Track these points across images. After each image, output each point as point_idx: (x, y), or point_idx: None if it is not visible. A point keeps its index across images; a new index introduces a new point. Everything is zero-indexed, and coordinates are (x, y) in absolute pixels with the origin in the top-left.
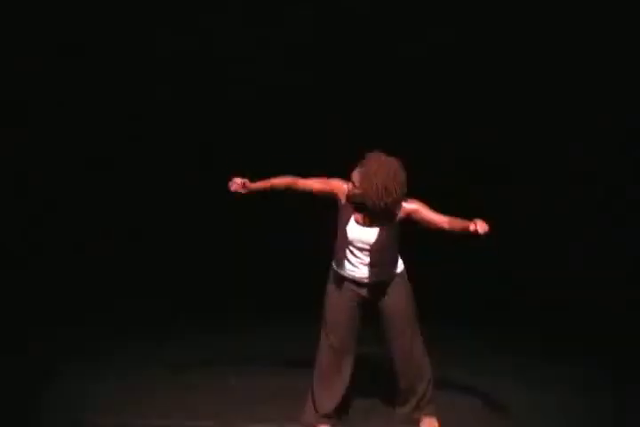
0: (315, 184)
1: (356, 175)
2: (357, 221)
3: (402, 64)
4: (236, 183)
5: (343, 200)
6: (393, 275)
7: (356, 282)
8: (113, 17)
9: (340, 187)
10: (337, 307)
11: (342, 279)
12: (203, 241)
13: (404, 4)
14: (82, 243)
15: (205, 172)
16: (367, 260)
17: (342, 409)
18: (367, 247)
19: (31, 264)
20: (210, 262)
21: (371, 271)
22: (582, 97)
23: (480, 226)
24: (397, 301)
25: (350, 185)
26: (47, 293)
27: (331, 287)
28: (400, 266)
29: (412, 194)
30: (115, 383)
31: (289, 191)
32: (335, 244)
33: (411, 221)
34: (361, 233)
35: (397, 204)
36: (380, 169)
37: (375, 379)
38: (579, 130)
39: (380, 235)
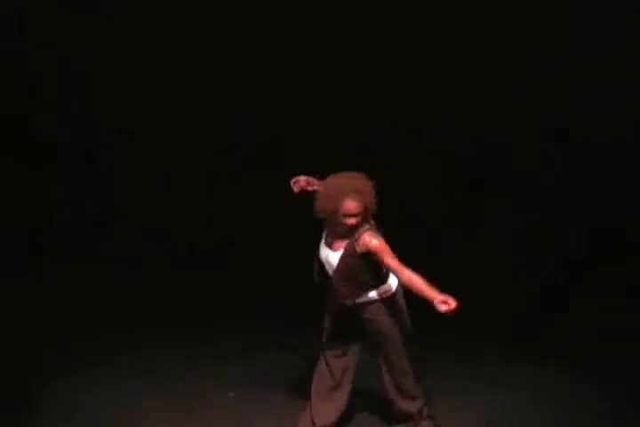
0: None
1: (352, 204)
2: (326, 243)
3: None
4: (300, 181)
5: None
6: (368, 300)
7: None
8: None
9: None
10: (335, 319)
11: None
12: (195, 249)
13: None
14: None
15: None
16: (334, 282)
17: (340, 422)
18: (332, 270)
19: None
20: (205, 271)
21: (340, 292)
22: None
23: (450, 306)
24: (377, 327)
25: (353, 220)
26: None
27: (329, 297)
28: (383, 289)
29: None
30: (111, 396)
31: None
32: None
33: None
34: (327, 255)
35: (342, 215)
36: (365, 182)
37: (374, 392)
38: None
39: (341, 261)
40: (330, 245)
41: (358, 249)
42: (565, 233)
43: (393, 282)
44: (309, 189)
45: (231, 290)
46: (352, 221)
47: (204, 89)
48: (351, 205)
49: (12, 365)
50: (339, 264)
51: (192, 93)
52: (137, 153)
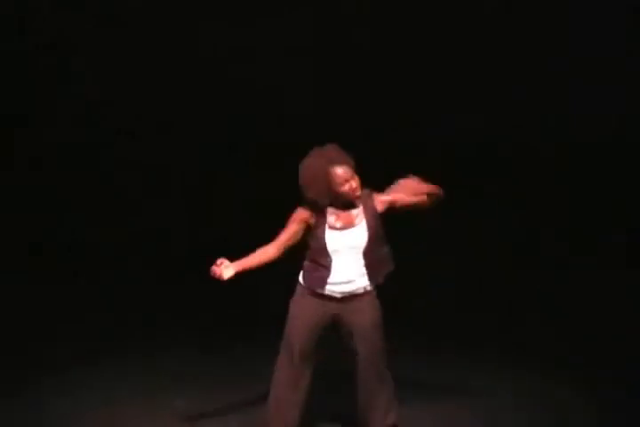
0: (289, 235)
1: (347, 170)
2: (334, 227)
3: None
4: (217, 268)
5: (313, 219)
6: (380, 276)
7: (327, 298)
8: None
9: (307, 215)
10: (301, 320)
11: (311, 295)
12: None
13: None
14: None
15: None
16: (361, 262)
17: None
18: (356, 249)
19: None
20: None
21: (375, 269)
22: None
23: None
24: (367, 321)
25: (358, 186)
26: None
27: (296, 300)
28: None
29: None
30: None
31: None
32: (308, 264)
33: (392, 211)
34: (341, 238)
35: (337, 178)
36: (306, 158)
37: (333, 398)
38: None
39: (371, 226)
40: (337, 228)
41: (378, 209)
42: (550, 234)
43: None
44: (229, 275)
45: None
46: (354, 184)
47: (203, 89)
48: (340, 170)
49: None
50: (371, 233)
51: (192, 93)
52: (136, 153)
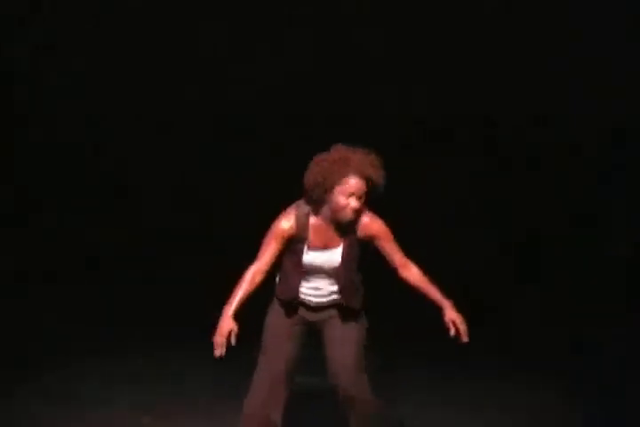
0: (270, 254)
1: (357, 182)
2: (314, 247)
3: None
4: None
5: (295, 233)
6: (358, 299)
7: (306, 306)
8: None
9: (288, 229)
10: (280, 329)
11: (285, 305)
12: (194, 250)
13: None
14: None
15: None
16: (332, 287)
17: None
18: (330, 270)
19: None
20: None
21: (347, 295)
22: None
23: (464, 332)
24: (348, 331)
25: (358, 204)
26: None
27: (273, 309)
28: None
29: None
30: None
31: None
32: (282, 275)
33: (370, 244)
34: (316, 258)
35: (341, 181)
36: (317, 157)
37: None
38: None
39: (346, 255)
40: (316, 246)
41: (358, 234)
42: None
43: None
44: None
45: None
46: (353, 204)
47: (203, 88)
48: (354, 180)
49: None
50: (344, 260)
51: (192, 93)
52: (134, 154)
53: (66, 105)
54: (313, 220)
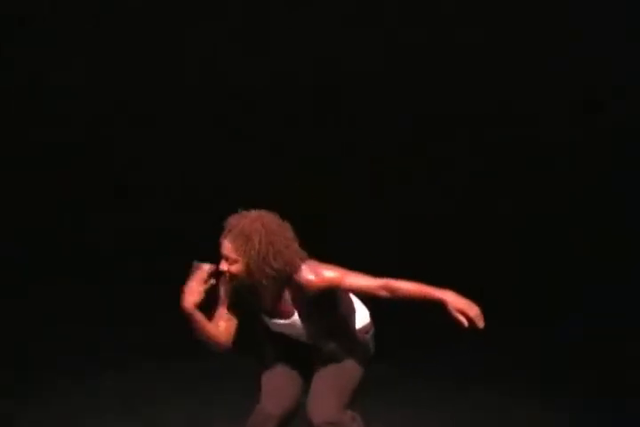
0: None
1: (227, 244)
2: (268, 314)
3: None
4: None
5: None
6: (348, 334)
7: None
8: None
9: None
10: (283, 356)
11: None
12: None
13: None
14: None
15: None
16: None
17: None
18: (299, 334)
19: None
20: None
21: (315, 348)
22: None
23: (477, 317)
24: (334, 361)
25: (223, 264)
26: None
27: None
28: (362, 320)
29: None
30: None
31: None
32: None
33: (330, 292)
34: (280, 324)
35: (295, 267)
36: (256, 223)
37: None
38: None
39: (304, 323)
40: (271, 315)
41: (310, 294)
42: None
43: (363, 310)
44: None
45: None
46: (224, 266)
47: (204, 89)
48: (225, 245)
49: None
50: (306, 327)
51: (192, 93)
52: (134, 154)
53: (66, 105)
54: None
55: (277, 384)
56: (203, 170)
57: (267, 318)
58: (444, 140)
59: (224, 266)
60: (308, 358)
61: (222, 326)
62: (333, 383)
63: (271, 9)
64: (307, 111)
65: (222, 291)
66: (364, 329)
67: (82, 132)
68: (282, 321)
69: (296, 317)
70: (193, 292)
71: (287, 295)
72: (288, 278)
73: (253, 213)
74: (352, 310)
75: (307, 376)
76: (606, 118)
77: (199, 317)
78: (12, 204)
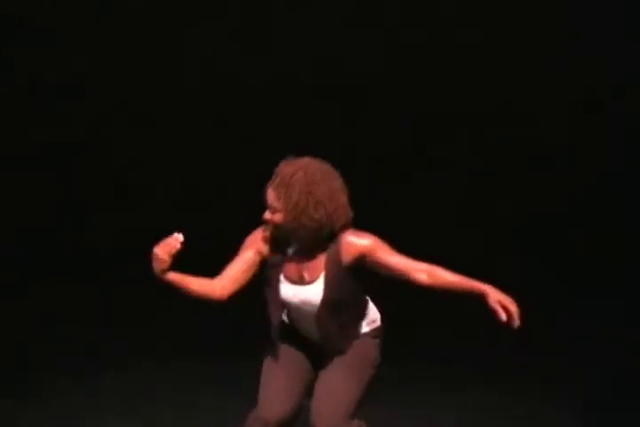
0: (238, 267)
1: (270, 192)
2: (289, 278)
3: None
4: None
5: (268, 253)
6: (357, 336)
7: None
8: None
9: (257, 236)
10: (283, 359)
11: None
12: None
13: None
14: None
15: None
16: (314, 329)
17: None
18: (311, 311)
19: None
20: None
21: (329, 338)
22: None
23: (515, 314)
24: (345, 364)
25: (267, 213)
26: None
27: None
28: (372, 322)
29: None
30: None
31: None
32: (268, 310)
33: (364, 266)
34: (295, 293)
35: (339, 220)
36: (299, 172)
37: None
38: None
39: (327, 289)
40: (293, 279)
41: (344, 259)
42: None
43: (374, 309)
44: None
45: None
46: (267, 215)
47: (204, 88)
48: (268, 193)
49: None
50: (325, 296)
51: (192, 93)
52: (134, 153)
53: (66, 105)
54: (291, 251)
55: (277, 389)
56: (203, 170)
57: (286, 286)
58: (444, 140)
59: (267, 215)
60: (313, 360)
61: (221, 283)
62: (340, 389)
63: (271, 9)
64: (307, 111)
65: (243, 255)
66: (374, 333)
67: (82, 132)
68: (302, 287)
69: (320, 282)
70: (158, 259)
71: (320, 257)
72: (329, 235)
73: (301, 161)
74: (367, 306)
75: (310, 381)
76: (606, 118)
77: (177, 278)
78: (11, 204)
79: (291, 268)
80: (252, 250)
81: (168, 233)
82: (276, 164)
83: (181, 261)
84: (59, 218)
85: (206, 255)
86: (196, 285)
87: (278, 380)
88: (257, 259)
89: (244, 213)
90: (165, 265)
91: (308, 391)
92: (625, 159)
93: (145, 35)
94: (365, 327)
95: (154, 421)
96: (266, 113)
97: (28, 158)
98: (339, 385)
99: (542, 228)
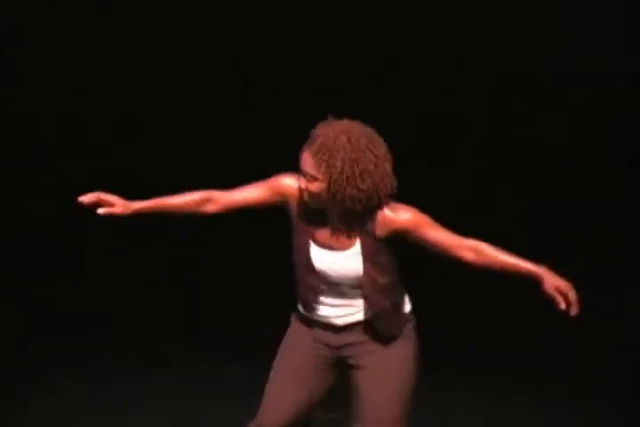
0: (247, 194)
1: (307, 158)
2: (321, 243)
3: None
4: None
5: (296, 211)
6: (397, 324)
7: (332, 327)
8: None
9: (289, 188)
10: (287, 358)
11: (310, 324)
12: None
13: None
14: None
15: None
16: (352, 301)
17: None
18: (346, 281)
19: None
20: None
21: (377, 304)
22: None
23: (574, 301)
24: (386, 367)
25: (302, 180)
26: None
27: (288, 331)
28: (407, 310)
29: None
30: None
31: (201, 214)
32: (295, 279)
33: (405, 240)
34: (332, 260)
35: (385, 190)
36: (341, 137)
37: None
38: None
39: (367, 256)
40: (325, 245)
41: (382, 232)
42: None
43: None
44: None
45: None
46: (302, 183)
47: (204, 89)
48: (305, 159)
49: None
50: (367, 264)
51: (193, 93)
52: (134, 153)
53: (66, 104)
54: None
55: (279, 396)
56: (202, 170)
57: (316, 249)
58: (444, 140)
59: (302, 183)
60: (333, 368)
61: (217, 196)
62: (388, 395)
63: (271, 9)
64: (306, 111)
65: (260, 191)
66: (410, 317)
67: (82, 132)
68: (336, 253)
69: (357, 248)
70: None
71: (356, 225)
72: (376, 206)
73: (342, 124)
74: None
75: (321, 392)
76: (606, 118)
77: (153, 204)
78: (11, 204)
79: (322, 234)
80: (274, 192)
81: (167, 229)
82: (276, 164)
83: (183, 260)
84: (59, 218)
85: (207, 254)
86: (183, 205)
87: (282, 387)
88: (270, 202)
89: (245, 213)
90: (116, 199)
91: (318, 402)
92: (625, 159)
93: (145, 35)
94: (407, 305)
95: (154, 421)
96: (266, 113)
97: (27, 158)
98: (386, 392)
99: (542, 228)
